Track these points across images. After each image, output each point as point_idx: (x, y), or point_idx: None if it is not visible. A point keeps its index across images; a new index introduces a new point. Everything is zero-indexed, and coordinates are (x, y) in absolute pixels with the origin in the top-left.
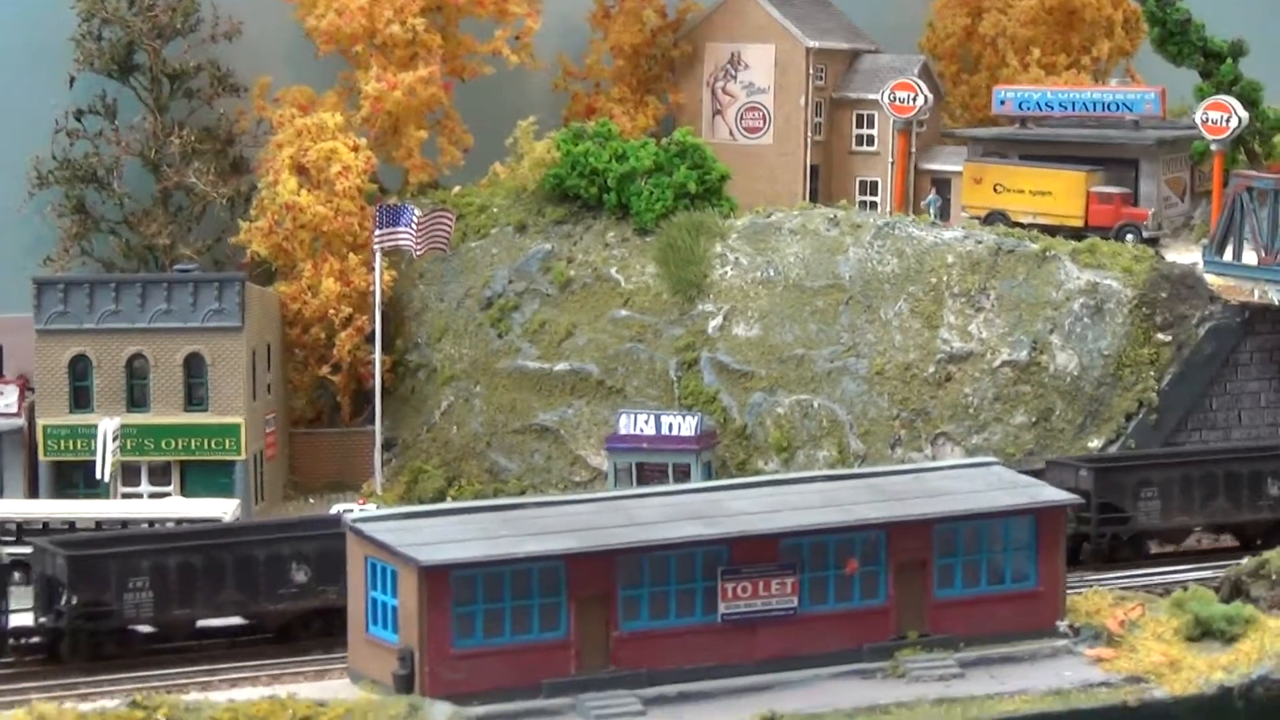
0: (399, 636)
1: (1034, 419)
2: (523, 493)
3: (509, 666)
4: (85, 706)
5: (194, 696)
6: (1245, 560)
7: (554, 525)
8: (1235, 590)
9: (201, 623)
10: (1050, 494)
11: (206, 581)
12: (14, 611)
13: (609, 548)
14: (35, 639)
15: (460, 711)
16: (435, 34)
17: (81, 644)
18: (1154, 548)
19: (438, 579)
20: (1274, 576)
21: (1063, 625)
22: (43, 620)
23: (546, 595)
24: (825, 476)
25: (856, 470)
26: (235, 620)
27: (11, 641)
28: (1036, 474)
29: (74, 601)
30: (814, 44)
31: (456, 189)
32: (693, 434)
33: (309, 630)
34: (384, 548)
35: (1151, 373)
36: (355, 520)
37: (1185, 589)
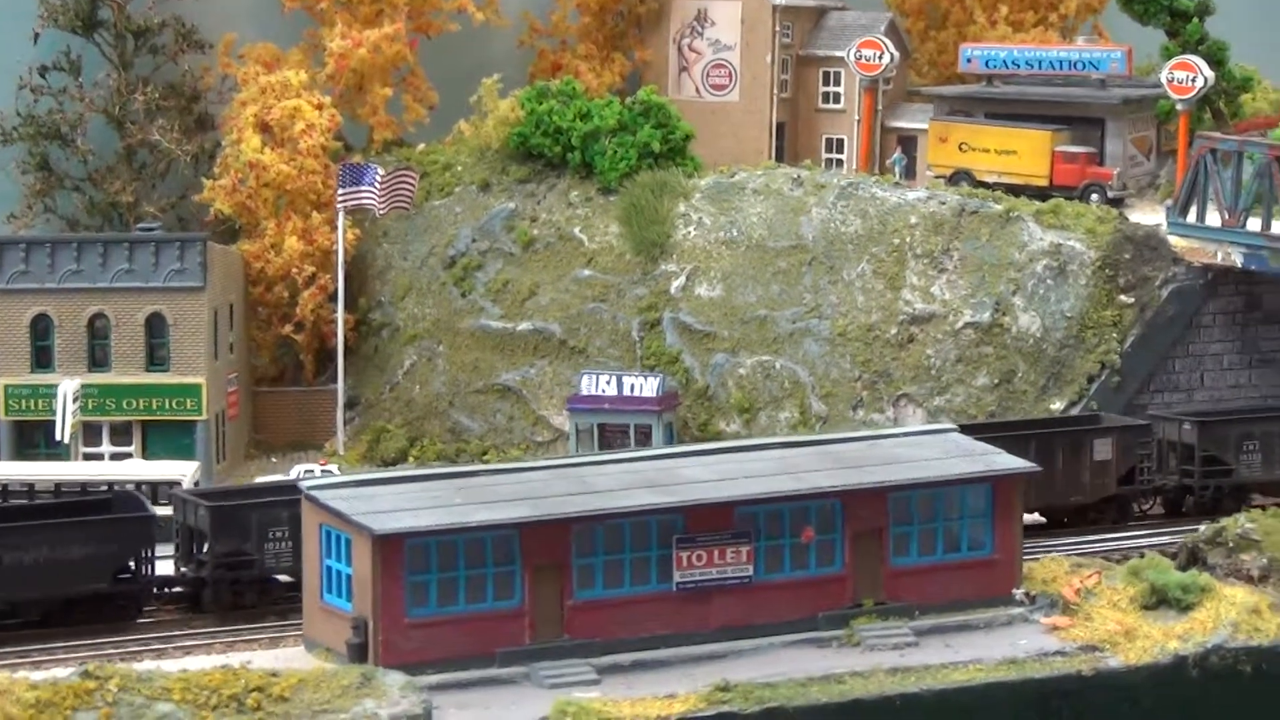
0: (353, 605)
1: (996, 381)
2: (485, 453)
3: (463, 635)
4: (38, 675)
5: (147, 666)
6: (1202, 527)
7: (509, 493)
8: (1192, 558)
9: None
10: (1006, 461)
11: None
12: (160, 558)
13: (563, 516)
14: (178, 589)
15: (413, 681)
16: None
17: (223, 593)
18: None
19: (392, 547)
20: (1231, 544)
21: (1019, 593)
22: (184, 570)
23: (501, 564)
24: (782, 443)
25: (813, 437)
26: None
27: (155, 590)
28: (1142, 429)
29: (216, 551)
30: (780, 1)
31: (421, 147)
32: (654, 395)
33: None
34: (338, 515)
35: (1114, 334)
36: (310, 488)
37: (1142, 556)
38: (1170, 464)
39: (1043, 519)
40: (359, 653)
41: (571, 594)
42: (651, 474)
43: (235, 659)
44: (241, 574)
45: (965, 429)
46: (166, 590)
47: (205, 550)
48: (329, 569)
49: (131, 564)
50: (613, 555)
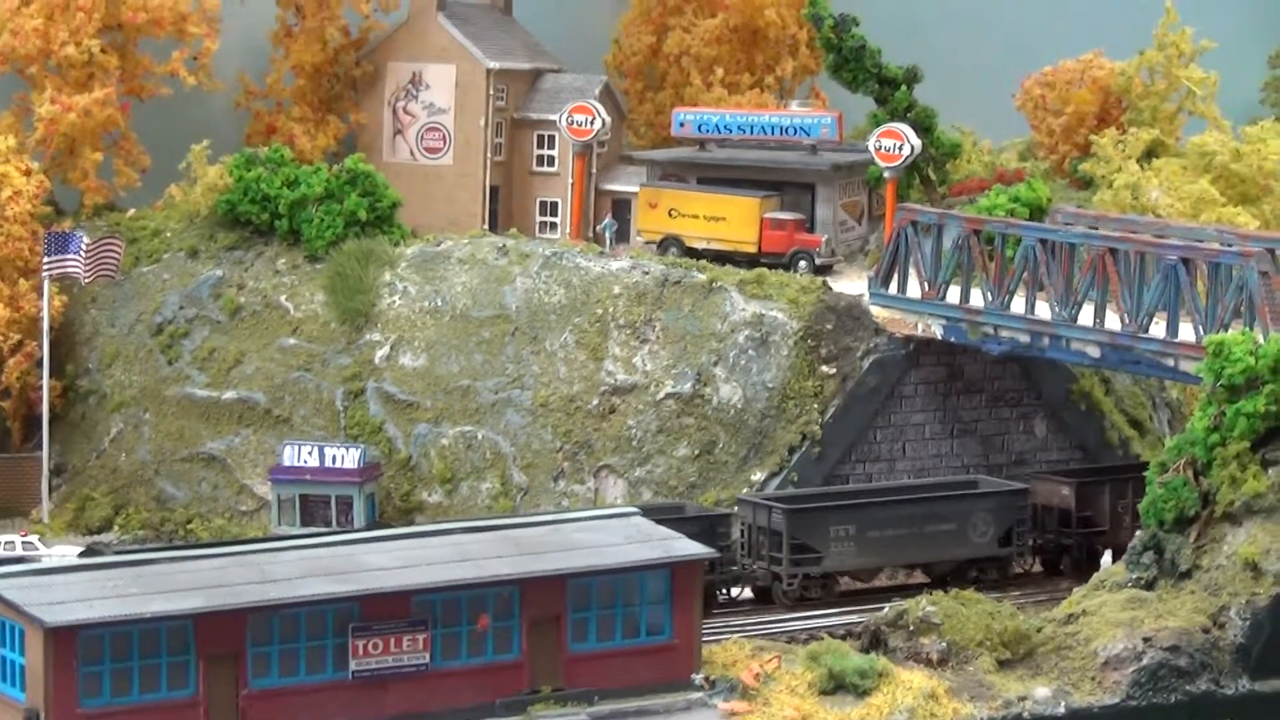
0: (26, 695)
1: (697, 451)
2: (189, 522)
3: None
4: None
5: None
6: (886, 609)
7: (185, 582)
8: (875, 640)
9: None
10: (685, 547)
11: None
12: None
13: (237, 606)
14: None
15: None
16: (113, 55)
17: None
18: None
19: (64, 639)
20: (911, 627)
21: (698, 678)
22: None
23: (175, 653)
24: (464, 528)
25: (496, 521)
26: None
27: None
28: None
29: None
30: (494, 65)
31: (132, 212)
32: (355, 466)
33: None
34: (11, 606)
35: (815, 405)
36: None
37: (821, 639)
38: None
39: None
40: None
41: (247, 683)
42: (330, 561)
43: None
44: None
45: (1070, 475)
46: None
47: None
48: (3, 658)
49: None
50: (288, 644)
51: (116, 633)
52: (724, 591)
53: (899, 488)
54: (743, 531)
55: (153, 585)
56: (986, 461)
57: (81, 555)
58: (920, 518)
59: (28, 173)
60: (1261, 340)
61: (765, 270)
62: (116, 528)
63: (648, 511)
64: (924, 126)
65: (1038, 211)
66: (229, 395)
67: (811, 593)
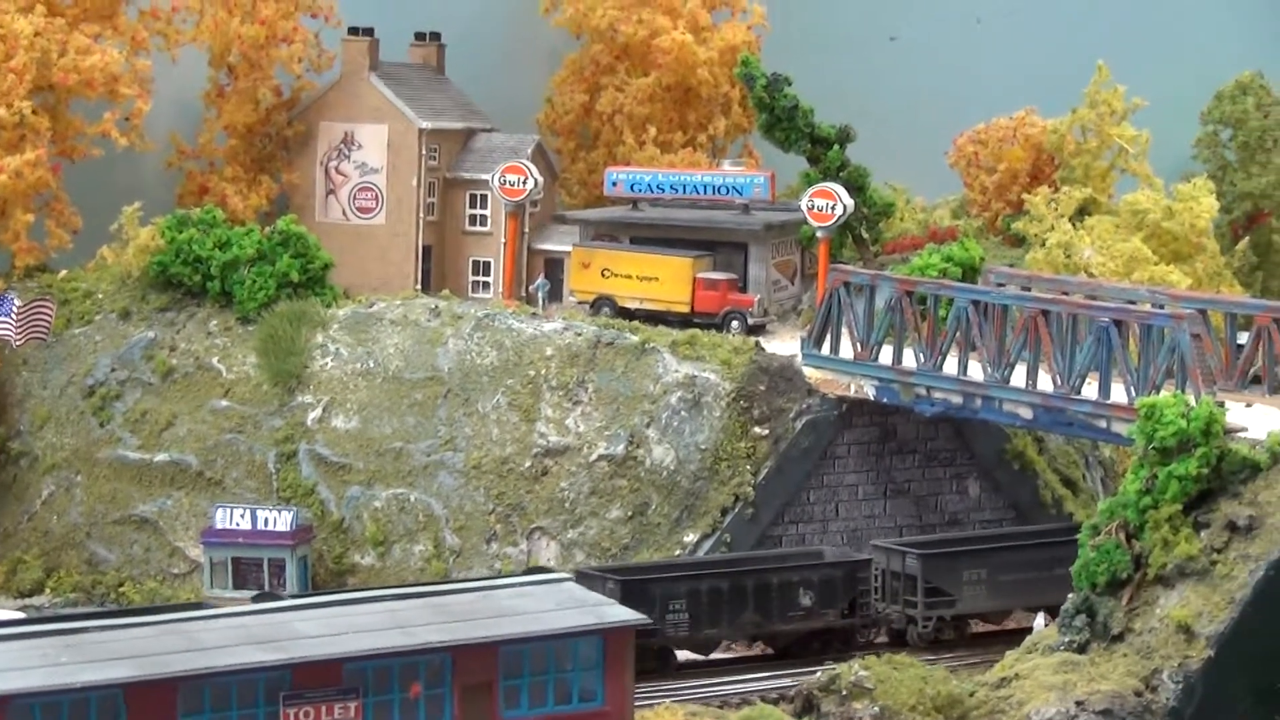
0: None
1: (630, 513)
2: (121, 585)
3: None
4: None
5: None
6: (819, 674)
7: (115, 651)
8: (808, 705)
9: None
10: (618, 613)
11: (732, 604)
12: None
13: (167, 676)
14: None
15: None
16: (44, 116)
17: None
18: None
19: None
20: (844, 692)
21: None
22: None
23: None
24: (394, 595)
25: (427, 588)
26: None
27: None
28: None
29: None
30: (427, 125)
31: (63, 273)
32: (288, 529)
33: (808, 649)
34: None
35: (748, 466)
36: None
37: (754, 703)
38: None
39: None
40: None
41: None
42: (260, 629)
43: None
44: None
45: None
46: None
47: None
48: None
49: None
50: (219, 713)
51: (47, 703)
52: (864, 634)
53: (1025, 533)
54: (878, 576)
55: (83, 654)
56: (920, 522)
57: (255, 599)
58: (1049, 561)
59: None
60: (1193, 403)
61: (698, 331)
62: (48, 590)
63: (785, 558)
64: (857, 186)
65: (970, 271)
66: (161, 458)
67: (945, 635)
